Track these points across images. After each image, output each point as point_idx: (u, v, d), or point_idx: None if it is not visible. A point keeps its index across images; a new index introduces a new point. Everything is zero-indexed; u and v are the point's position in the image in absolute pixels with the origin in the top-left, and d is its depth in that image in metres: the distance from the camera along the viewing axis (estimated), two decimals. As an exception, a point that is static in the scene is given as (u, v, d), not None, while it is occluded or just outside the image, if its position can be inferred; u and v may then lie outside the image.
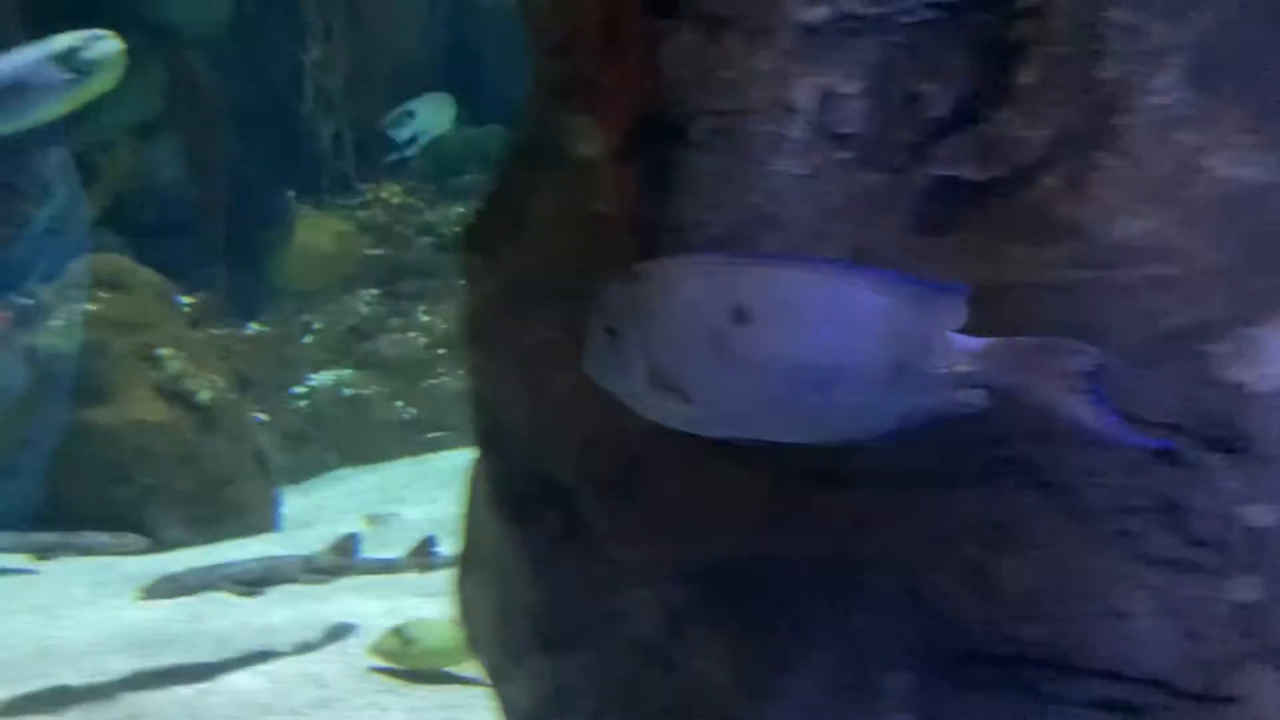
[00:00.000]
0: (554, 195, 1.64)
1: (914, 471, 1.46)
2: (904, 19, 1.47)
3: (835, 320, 1.32)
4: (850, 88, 1.48)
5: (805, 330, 1.32)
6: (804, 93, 1.48)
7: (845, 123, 1.48)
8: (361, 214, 7.51)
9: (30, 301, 4.36)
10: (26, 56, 3.68)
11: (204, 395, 4.60)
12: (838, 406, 1.32)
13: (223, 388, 4.77)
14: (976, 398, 1.32)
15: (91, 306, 4.58)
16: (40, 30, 3.81)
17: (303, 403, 6.53)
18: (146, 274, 4.88)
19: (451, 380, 6.99)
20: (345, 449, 6.58)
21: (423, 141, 6.97)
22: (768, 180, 1.50)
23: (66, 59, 3.63)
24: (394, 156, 6.99)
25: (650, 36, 1.50)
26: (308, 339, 6.76)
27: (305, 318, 6.95)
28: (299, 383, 6.54)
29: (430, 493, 5.62)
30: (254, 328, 6.44)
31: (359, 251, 7.37)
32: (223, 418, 4.73)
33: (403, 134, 6.91)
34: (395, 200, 7.70)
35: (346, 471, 6.31)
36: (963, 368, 1.32)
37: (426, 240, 7.58)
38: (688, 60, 1.49)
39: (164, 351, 4.59)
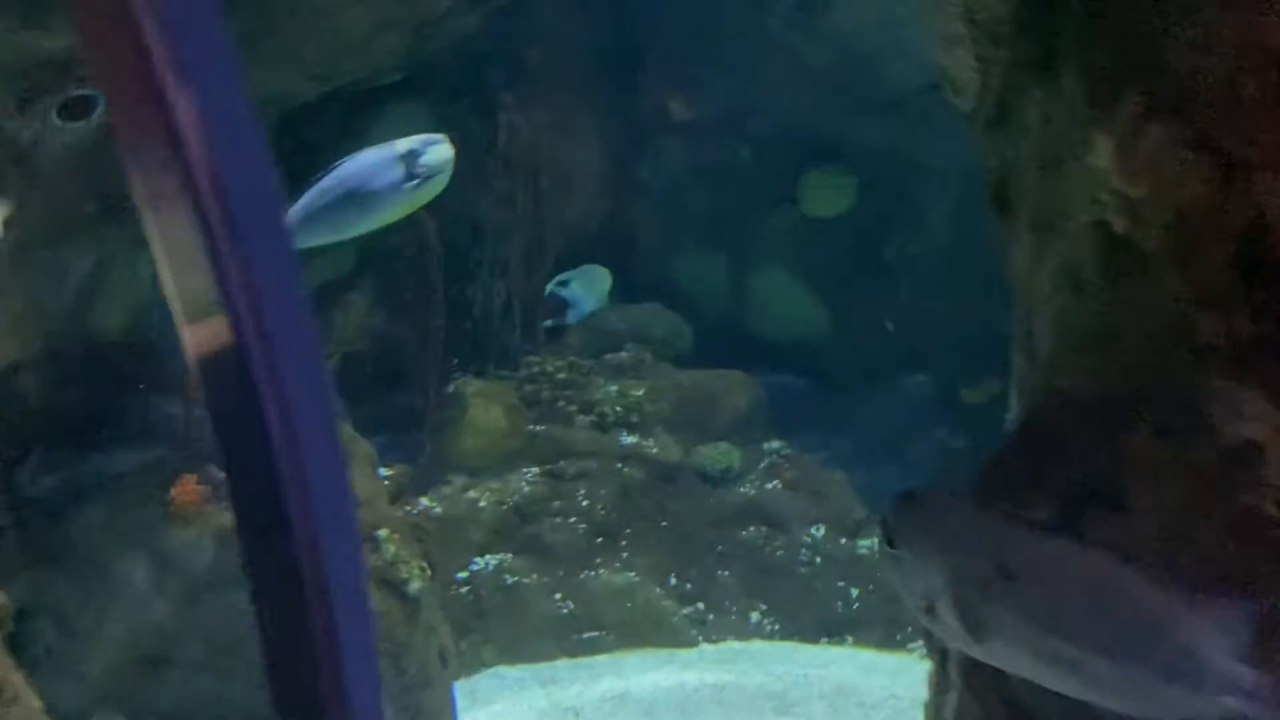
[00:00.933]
0: (1183, 478, 1.29)
1: None
2: None
3: (1095, 605, 1.26)
4: None
5: (1063, 605, 1.27)
6: None
7: None
8: (528, 387, 7.36)
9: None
10: (372, 157, 3.55)
11: (415, 585, 4.26)
12: (1105, 689, 1.24)
13: (430, 576, 4.44)
14: None
15: None
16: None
17: (465, 590, 6.18)
18: (364, 445, 4.63)
19: (609, 573, 6.68)
20: (502, 643, 6.19)
21: (579, 313, 6.89)
22: None
23: (408, 161, 3.48)
24: (549, 323, 6.90)
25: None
26: (473, 517, 6.48)
27: (471, 495, 6.70)
28: (464, 567, 6.21)
29: (610, 713, 5.15)
30: (425, 503, 6.17)
31: (524, 427, 7.18)
32: (425, 610, 4.37)
33: (559, 303, 6.86)
34: (560, 375, 7.55)
35: (506, 671, 5.89)
36: (1230, 701, 1.17)
37: (587, 419, 7.39)
38: None
39: (382, 534, 4.28)
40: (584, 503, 6.76)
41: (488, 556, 6.33)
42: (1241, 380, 1.28)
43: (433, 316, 6.11)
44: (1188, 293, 1.34)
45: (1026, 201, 1.89)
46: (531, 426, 6.98)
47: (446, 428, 6.52)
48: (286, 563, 0.84)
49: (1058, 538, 1.33)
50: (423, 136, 3.61)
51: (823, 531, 5.96)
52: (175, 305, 0.83)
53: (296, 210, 3.52)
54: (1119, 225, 1.40)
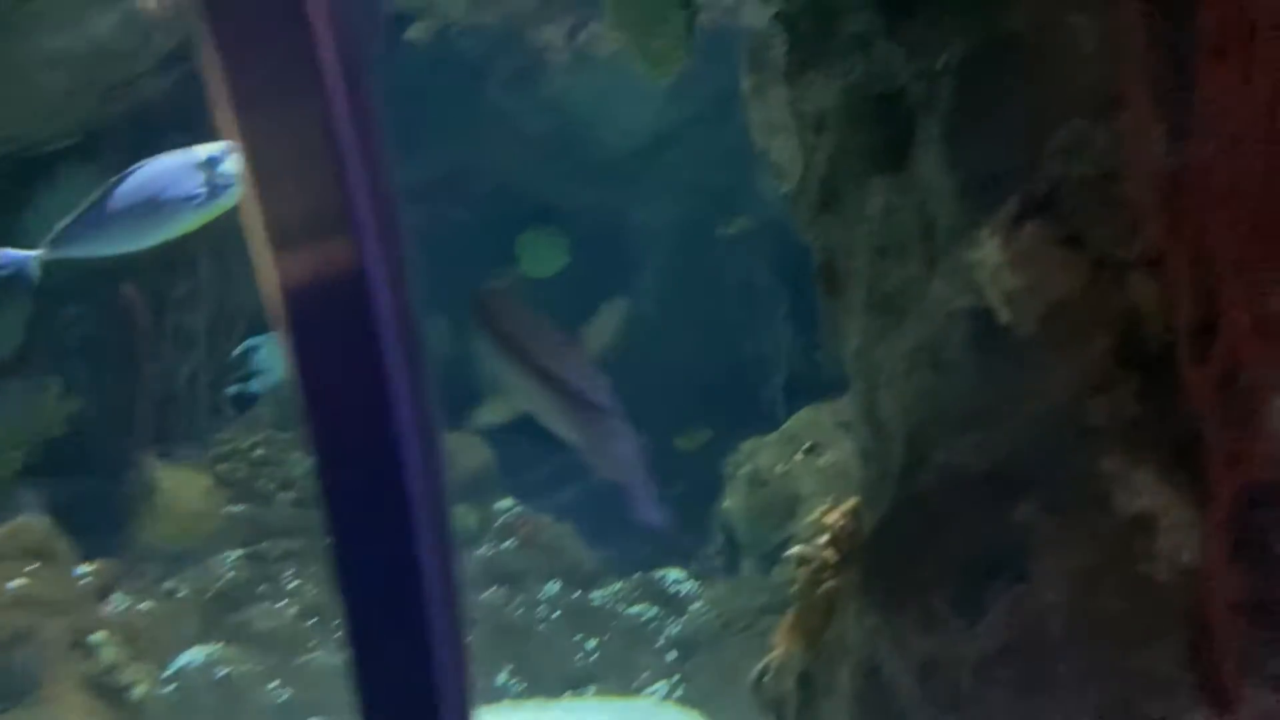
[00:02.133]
0: (1080, 549, 1.41)
1: None
2: None
3: (550, 408, 2.13)
4: None
5: (535, 402, 2.15)
6: None
7: None
8: (221, 466, 6.91)
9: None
10: (168, 164, 3.39)
11: (139, 689, 3.83)
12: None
13: (157, 679, 4.00)
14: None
15: (20, 582, 3.77)
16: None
17: (172, 688, 5.67)
18: (64, 543, 4.11)
19: (324, 655, 6.38)
20: (218, 741, 5.74)
21: (267, 383, 6.59)
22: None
23: (207, 169, 3.34)
24: (234, 390, 6.56)
25: (1261, 388, 1.34)
26: (175, 610, 5.97)
27: (169, 584, 6.18)
28: (167, 663, 5.70)
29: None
30: (123, 599, 5.62)
31: (221, 508, 6.73)
32: (150, 714, 3.94)
33: (244, 371, 6.54)
34: (256, 452, 7.15)
35: (223, 771, 5.46)
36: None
37: (288, 496, 7.04)
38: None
39: (97, 638, 3.82)
40: (291, 584, 6.43)
41: (195, 650, 5.86)
42: (1130, 458, 1.42)
43: (137, 397, 5.61)
44: (1075, 379, 1.48)
45: (859, 283, 2.00)
46: (229, 507, 6.56)
47: (139, 515, 6.01)
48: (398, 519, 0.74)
49: (526, 361, 2.04)
50: (220, 144, 3.41)
51: (558, 586, 5.98)
52: (267, 228, 0.69)
53: (84, 218, 3.26)
54: (1002, 315, 1.52)
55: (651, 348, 6.65)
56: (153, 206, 3.32)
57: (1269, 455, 1.34)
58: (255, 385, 6.52)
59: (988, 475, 1.55)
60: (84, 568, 4.39)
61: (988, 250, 1.51)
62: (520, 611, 5.87)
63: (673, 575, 5.99)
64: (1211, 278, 1.33)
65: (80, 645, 3.79)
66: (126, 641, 4.19)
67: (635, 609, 5.90)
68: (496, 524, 6.05)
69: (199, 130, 6.27)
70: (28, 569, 3.92)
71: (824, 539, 2.31)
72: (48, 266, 3.29)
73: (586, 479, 6.69)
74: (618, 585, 6.01)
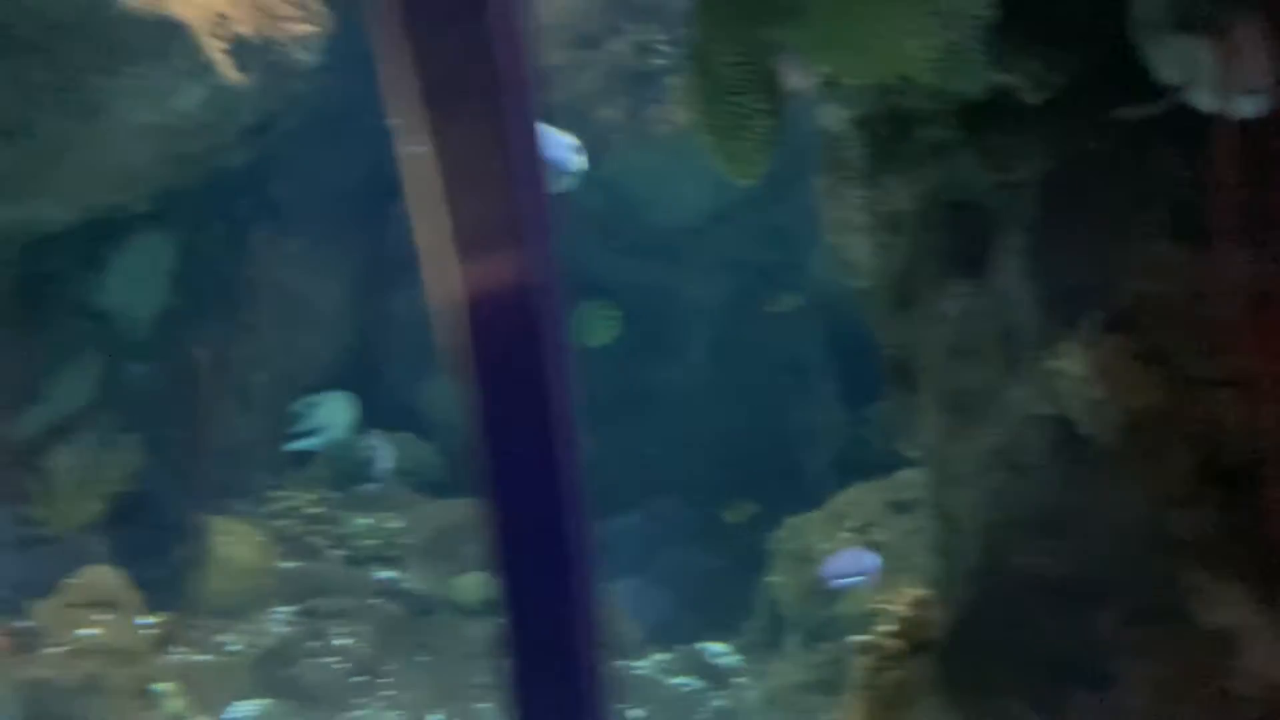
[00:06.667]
0: (1164, 660, 1.45)
1: None
2: None
3: None
4: None
5: None
6: None
7: None
8: (278, 523, 7.01)
9: (30, 623, 3.63)
10: (548, 130, 3.75)
11: (202, 741, 3.88)
12: None
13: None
14: None
15: (91, 631, 3.85)
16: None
17: (222, 744, 5.71)
18: (133, 594, 4.20)
19: (373, 714, 6.41)
20: (264, 802, 5.75)
21: (325, 440, 6.70)
22: None
23: (575, 152, 3.65)
24: (295, 446, 6.67)
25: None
26: (228, 664, 6.04)
27: (220, 638, 6.25)
28: (220, 716, 5.76)
29: None
30: (177, 650, 5.69)
31: (273, 564, 6.82)
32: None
33: (303, 427, 6.66)
34: (311, 509, 7.25)
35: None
36: None
37: (339, 553, 7.12)
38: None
39: (161, 688, 3.88)
40: (339, 641, 6.49)
41: (244, 704, 5.90)
42: (1213, 572, 1.46)
43: (200, 453, 5.74)
44: (1156, 492, 1.53)
45: (933, 382, 2.06)
46: (282, 563, 6.63)
47: (195, 568, 6.10)
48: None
49: None
50: (575, 141, 3.77)
51: (600, 657, 5.95)
52: (459, 234, 0.73)
53: None
54: (1083, 424, 1.58)
55: (699, 421, 6.70)
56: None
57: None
58: (313, 441, 6.63)
59: (1067, 581, 1.59)
60: (147, 619, 4.47)
61: (1069, 361, 1.57)
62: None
63: (714, 648, 5.96)
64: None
65: (144, 694, 3.86)
66: (183, 692, 4.25)
67: (678, 680, 5.87)
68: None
69: (264, 196, 6.46)
70: (98, 618, 4.01)
71: (891, 627, 2.33)
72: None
73: (619, 549, 6.69)
74: (660, 656, 5.99)
